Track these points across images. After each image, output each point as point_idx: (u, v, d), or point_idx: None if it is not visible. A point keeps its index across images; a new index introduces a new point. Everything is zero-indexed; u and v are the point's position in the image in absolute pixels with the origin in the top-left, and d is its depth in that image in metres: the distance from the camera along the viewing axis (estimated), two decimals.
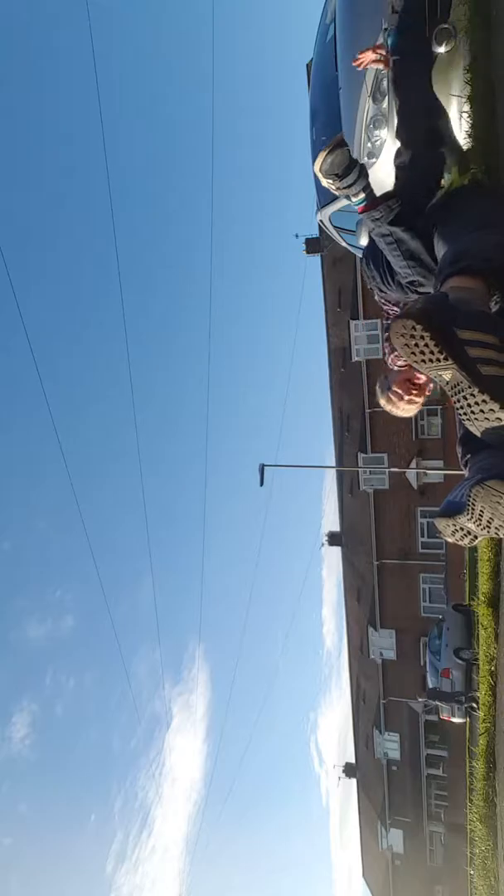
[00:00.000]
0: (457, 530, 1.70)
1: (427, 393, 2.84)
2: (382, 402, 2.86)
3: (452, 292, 1.61)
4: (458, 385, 1.47)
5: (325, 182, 2.16)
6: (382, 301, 2.70)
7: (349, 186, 2.13)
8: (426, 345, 1.47)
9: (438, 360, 1.47)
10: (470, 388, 1.44)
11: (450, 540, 1.79)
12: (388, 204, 2.14)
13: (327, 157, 2.12)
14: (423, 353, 1.48)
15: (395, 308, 2.67)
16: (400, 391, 2.74)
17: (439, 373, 1.51)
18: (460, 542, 1.79)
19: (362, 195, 2.16)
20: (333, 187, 2.16)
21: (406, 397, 2.76)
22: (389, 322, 2.71)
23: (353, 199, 2.16)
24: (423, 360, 1.49)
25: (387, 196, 2.15)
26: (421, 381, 2.79)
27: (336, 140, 2.12)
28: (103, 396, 77.42)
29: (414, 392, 2.79)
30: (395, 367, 2.76)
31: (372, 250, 2.41)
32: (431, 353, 1.47)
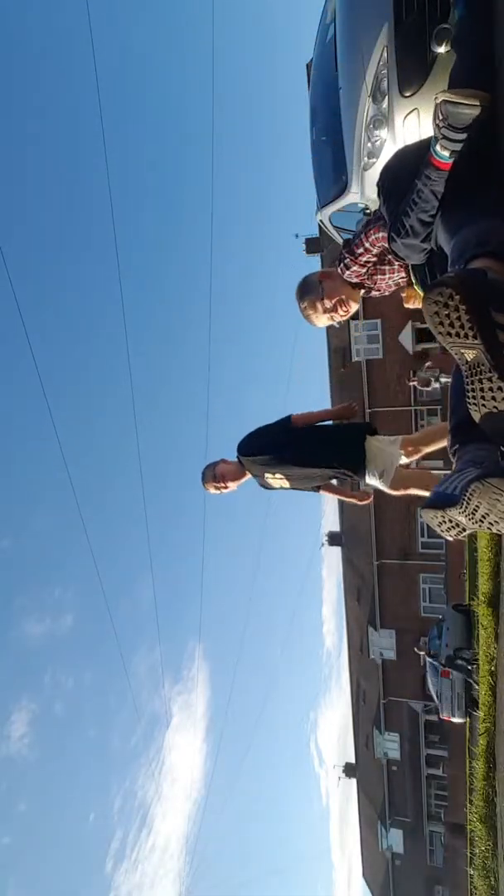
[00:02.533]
0: (444, 521, 1.68)
1: (347, 316, 2.97)
2: (305, 304, 2.94)
3: (489, 273, 1.53)
4: (478, 367, 1.43)
5: (437, 111, 1.87)
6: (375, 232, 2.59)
7: (452, 140, 1.88)
8: (458, 318, 1.39)
9: (467, 336, 1.40)
10: (490, 372, 1.40)
11: (436, 530, 1.77)
12: (442, 175, 1.96)
13: (465, 106, 1.83)
14: (452, 325, 1.41)
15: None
16: (330, 305, 2.87)
17: (462, 350, 1.45)
18: (446, 534, 1.77)
19: (447, 154, 1.92)
20: (436, 123, 1.88)
21: (331, 314, 2.91)
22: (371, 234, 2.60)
23: (440, 150, 1.91)
24: (450, 333, 1.42)
25: (452, 173, 1.96)
26: (350, 308, 2.92)
27: (486, 98, 1.84)
28: (103, 396, 77.42)
29: (341, 312, 2.93)
30: (351, 279, 2.82)
31: (406, 168, 2.19)
32: (462, 327, 1.40)
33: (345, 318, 3.00)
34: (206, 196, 50.89)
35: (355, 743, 29.49)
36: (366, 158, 4.20)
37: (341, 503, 25.41)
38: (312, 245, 22.87)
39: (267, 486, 3.77)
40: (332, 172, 4.84)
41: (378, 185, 2.38)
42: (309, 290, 2.92)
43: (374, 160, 4.16)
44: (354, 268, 2.74)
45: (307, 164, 5.55)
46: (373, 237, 2.57)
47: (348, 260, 2.73)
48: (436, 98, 1.90)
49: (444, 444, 3.35)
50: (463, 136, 1.87)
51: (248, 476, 3.73)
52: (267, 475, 3.64)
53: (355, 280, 2.81)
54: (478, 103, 1.84)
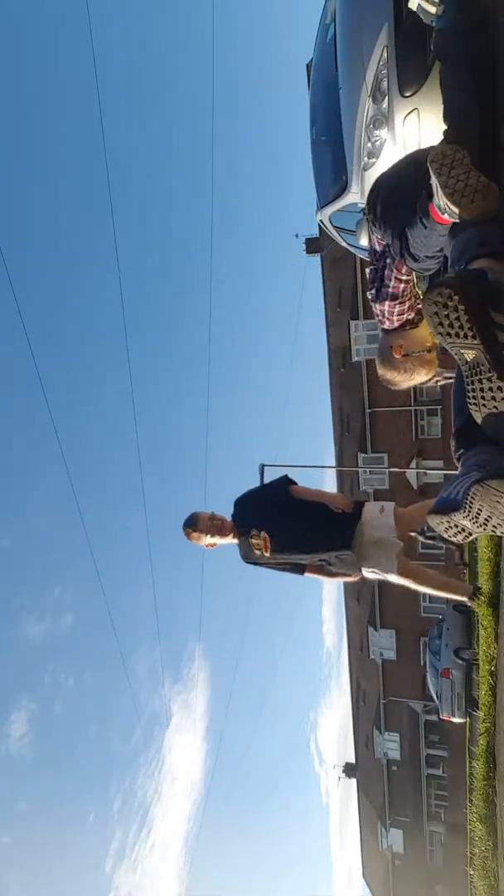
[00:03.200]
0: (450, 527, 1.68)
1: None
2: (394, 376, 2.67)
3: (489, 273, 1.55)
4: (478, 367, 1.43)
5: (435, 159, 1.79)
6: (377, 240, 2.45)
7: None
8: (458, 318, 1.40)
9: (466, 336, 1.41)
10: (489, 372, 1.41)
11: (443, 536, 1.78)
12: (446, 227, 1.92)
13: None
14: (451, 325, 1.41)
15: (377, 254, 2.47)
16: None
17: (462, 350, 1.45)
18: (453, 539, 1.78)
19: (452, 221, 1.84)
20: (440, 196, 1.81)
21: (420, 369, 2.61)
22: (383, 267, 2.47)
23: (445, 215, 1.83)
24: (450, 334, 1.43)
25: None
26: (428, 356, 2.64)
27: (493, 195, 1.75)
28: (104, 395, 77.44)
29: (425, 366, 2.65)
30: (400, 321, 2.58)
31: (392, 195, 2.19)
32: (461, 328, 1.41)
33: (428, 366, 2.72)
34: (206, 196, 50.96)
35: (355, 743, 29.51)
36: (366, 158, 4.20)
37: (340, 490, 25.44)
38: (312, 245, 22.89)
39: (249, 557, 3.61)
40: (332, 172, 4.84)
41: (370, 214, 2.31)
42: (385, 361, 2.70)
43: (374, 160, 4.16)
44: (399, 307, 2.55)
45: (307, 164, 5.55)
46: (402, 272, 2.41)
47: (390, 308, 2.55)
48: (433, 160, 1.78)
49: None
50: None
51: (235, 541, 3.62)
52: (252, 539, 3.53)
53: (403, 320, 2.60)
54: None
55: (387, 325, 2.63)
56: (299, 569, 3.63)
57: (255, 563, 3.63)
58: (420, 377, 2.71)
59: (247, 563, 3.67)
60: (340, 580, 3.81)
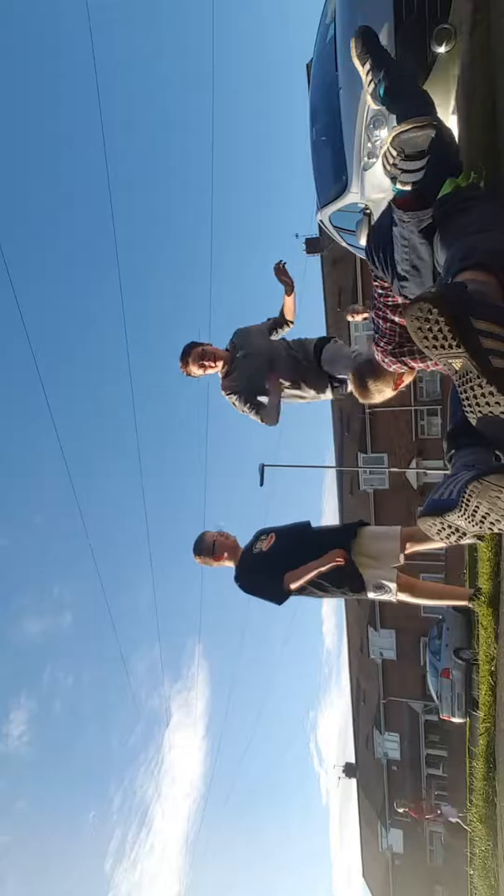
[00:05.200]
0: (443, 528, 1.69)
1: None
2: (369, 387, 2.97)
3: (470, 284, 1.58)
4: (467, 375, 1.45)
5: (389, 150, 1.93)
6: (378, 286, 2.67)
7: (407, 171, 1.93)
8: (440, 330, 1.43)
9: (451, 346, 1.44)
10: (478, 378, 1.42)
11: (434, 539, 1.78)
12: (418, 214, 2.03)
13: (415, 129, 1.88)
14: (435, 338, 1.44)
15: (387, 289, 2.61)
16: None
17: (449, 360, 1.48)
18: (445, 541, 1.78)
19: (409, 188, 1.97)
20: (392, 161, 1.93)
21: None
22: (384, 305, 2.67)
23: (398, 185, 1.98)
24: (435, 346, 1.46)
25: (421, 205, 2.03)
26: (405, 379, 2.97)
27: (430, 121, 1.89)
28: (104, 395, 77.44)
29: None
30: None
31: (381, 236, 2.33)
32: (444, 338, 1.44)
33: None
34: (207, 196, 50.95)
35: (355, 743, 29.51)
36: (366, 158, 4.21)
37: (341, 499, 25.45)
38: (312, 245, 22.89)
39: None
40: (332, 172, 4.84)
41: (369, 255, 2.47)
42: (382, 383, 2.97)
43: (374, 160, 4.16)
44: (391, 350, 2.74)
45: (307, 164, 5.55)
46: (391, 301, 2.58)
47: (384, 344, 2.74)
48: (383, 144, 2.01)
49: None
50: (420, 163, 1.94)
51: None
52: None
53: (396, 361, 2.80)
54: (426, 123, 1.91)
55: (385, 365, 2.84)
56: (279, 595, 3.50)
57: (243, 585, 3.63)
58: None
59: (237, 583, 3.66)
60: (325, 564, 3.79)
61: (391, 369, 2.85)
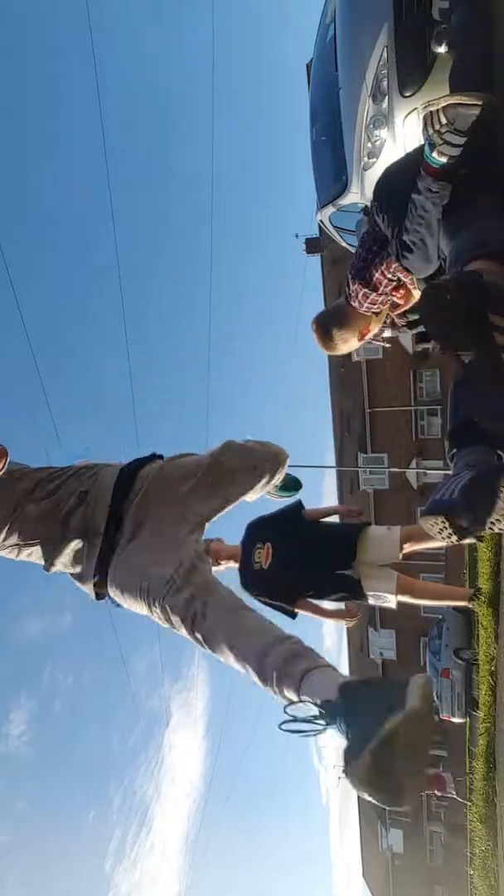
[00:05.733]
0: (444, 528, 1.68)
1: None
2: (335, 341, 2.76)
3: (486, 275, 1.54)
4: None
5: (436, 118, 1.83)
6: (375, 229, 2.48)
7: (453, 145, 1.83)
8: (454, 321, 1.42)
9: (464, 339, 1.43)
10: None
11: (436, 538, 1.77)
12: (448, 187, 1.91)
13: (474, 107, 1.78)
14: (449, 328, 1.43)
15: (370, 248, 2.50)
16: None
17: (460, 352, 1.47)
18: (447, 540, 1.77)
19: (446, 160, 1.86)
20: (437, 128, 1.84)
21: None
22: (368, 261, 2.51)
23: (437, 156, 1.87)
24: (448, 337, 1.45)
25: (451, 179, 1.91)
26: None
27: (486, 98, 1.78)
28: (104, 395, 77.47)
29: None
30: (371, 310, 2.66)
31: (390, 195, 2.21)
32: (458, 330, 1.43)
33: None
34: (206, 196, 50.95)
35: None
36: (366, 158, 4.20)
37: (340, 494, 25.44)
38: (312, 245, 22.87)
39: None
40: (332, 172, 4.84)
41: (375, 203, 2.33)
42: (342, 329, 2.78)
43: (374, 160, 4.16)
44: (373, 296, 2.60)
45: (307, 164, 5.55)
46: (390, 269, 2.46)
47: (364, 293, 2.59)
48: (428, 105, 1.86)
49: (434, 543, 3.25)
50: (464, 139, 1.84)
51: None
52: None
53: (375, 310, 2.68)
54: (483, 104, 1.81)
55: (354, 304, 2.67)
56: (290, 613, 3.53)
57: (252, 594, 3.54)
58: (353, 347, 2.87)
59: (244, 589, 3.58)
60: (333, 620, 3.76)
61: (362, 308, 2.67)
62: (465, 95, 1.83)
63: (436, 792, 11.30)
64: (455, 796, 10.70)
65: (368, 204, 4.63)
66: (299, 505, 3.66)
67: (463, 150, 1.86)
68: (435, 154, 1.88)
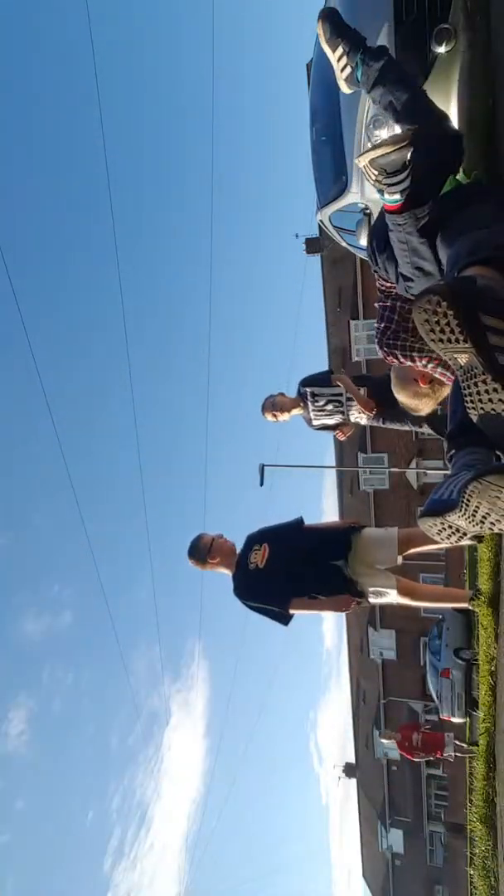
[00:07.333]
0: (444, 528, 1.68)
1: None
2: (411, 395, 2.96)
3: (479, 279, 1.56)
4: (472, 370, 1.44)
5: (369, 172, 1.95)
6: (381, 284, 2.71)
7: (392, 185, 1.95)
8: (448, 324, 1.42)
9: (458, 341, 1.42)
10: (483, 374, 1.41)
11: (436, 539, 1.77)
12: (415, 213, 2.03)
13: (392, 152, 1.89)
14: (443, 332, 1.43)
15: (391, 288, 2.64)
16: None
17: (455, 355, 1.46)
18: (445, 542, 1.77)
19: (398, 196, 1.99)
20: (375, 179, 1.96)
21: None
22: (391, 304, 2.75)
23: (387, 197, 2.00)
24: (441, 340, 1.44)
25: (416, 203, 2.02)
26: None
27: (405, 136, 1.89)
28: (104, 395, 77.45)
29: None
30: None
31: (381, 237, 2.34)
32: (452, 332, 1.42)
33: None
34: (206, 196, 50.96)
35: (355, 743, 29.50)
36: None
37: (340, 494, 25.44)
38: (312, 245, 22.86)
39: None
40: (332, 172, 4.84)
41: (371, 249, 2.49)
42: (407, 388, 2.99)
43: None
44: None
45: (307, 164, 5.55)
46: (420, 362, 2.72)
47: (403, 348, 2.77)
48: (358, 163, 1.96)
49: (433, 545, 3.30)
50: (403, 175, 1.93)
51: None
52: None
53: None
54: (403, 144, 1.89)
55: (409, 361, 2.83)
56: (284, 618, 3.50)
57: (245, 600, 3.56)
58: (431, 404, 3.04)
59: (237, 596, 3.60)
60: (332, 610, 3.68)
61: (386, 360, 2.87)
62: (380, 147, 1.91)
63: (437, 754, 10.93)
64: (457, 753, 10.39)
65: (368, 204, 4.65)
66: (300, 521, 3.73)
67: (408, 184, 1.95)
68: (386, 196, 2.00)
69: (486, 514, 1.54)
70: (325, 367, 3.95)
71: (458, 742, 10.43)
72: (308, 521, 3.76)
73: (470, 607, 4.05)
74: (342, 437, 4.67)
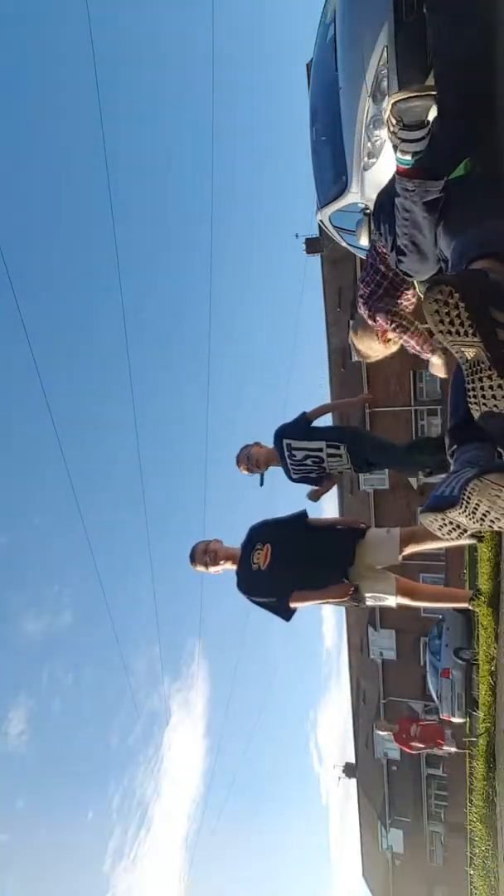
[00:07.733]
0: (444, 524, 1.68)
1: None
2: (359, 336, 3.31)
3: (490, 273, 1.54)
4: (478, 365, 1.43)
5: (389, 118, 1.86)
6: (378, 248, 2.67)
7: (407, 141, 1.85)
8: (458, 316, 1.40)
9: (467, 334, 1.41)
10: (490, 370, 1.41)
11: (437, 535, 1.77)
12: (426, 184, 1.92)
13: (415, 98, 1.81)
14: (452, 323, 1.42)
15: (386, 255, 2.59)
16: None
17: (462, 348, 1.45)
18: (446, 537, 1.77)
19: (410, 157, 1.89)
20: (391, 129, 1.87)
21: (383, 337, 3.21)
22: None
23: (401, 156, 1.91)
24: (450, 332, 1.43)
25: (429, 176, 1.92)
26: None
27: (429, 87, 1.84)
28: (103, 395, 77.42)
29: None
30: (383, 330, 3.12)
31: (389, 203, 2.23)
32: (462, 325, 1.41)
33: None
34: (206, 196, 50.91)
35: (355, 743, 29.48)
36: (366, 158, 4.20)
37: (341, 496, 25.43)
38: (312, 245, 22.86)
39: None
40: (332, 172, 4.83)
41: (373, 221, 2.47)
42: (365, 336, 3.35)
43: (374, 160, 4.16)
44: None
45: (307, 164, 5.55)
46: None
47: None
48: (385, 108, 1.94)
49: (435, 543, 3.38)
50: (419, 133, 1.85)
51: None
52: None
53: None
54: (428, 92, 1.84)
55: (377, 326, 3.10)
56: (286, 612, 3.50)
57: (248, 595, 3.58)
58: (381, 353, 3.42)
59: (240, 591, 3.62)
60: (332, 597, 3.63)
61: (364, 315, 3.06)
62: (402, 91, 1.86)
63: (438, 742, 10.88)
64: (457, 749, 10.37)
65: (368, 204, 4.64)
66: (304, 514, 3.74)
67: (422, 147, 1.88)
68: (399, 154, 1.92)
69: (487, 511, 1.55)
70: (300, 413, 4.27)
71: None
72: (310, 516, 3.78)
73: (470, 607, 4.05)
74: (315, 499, 4.26)
